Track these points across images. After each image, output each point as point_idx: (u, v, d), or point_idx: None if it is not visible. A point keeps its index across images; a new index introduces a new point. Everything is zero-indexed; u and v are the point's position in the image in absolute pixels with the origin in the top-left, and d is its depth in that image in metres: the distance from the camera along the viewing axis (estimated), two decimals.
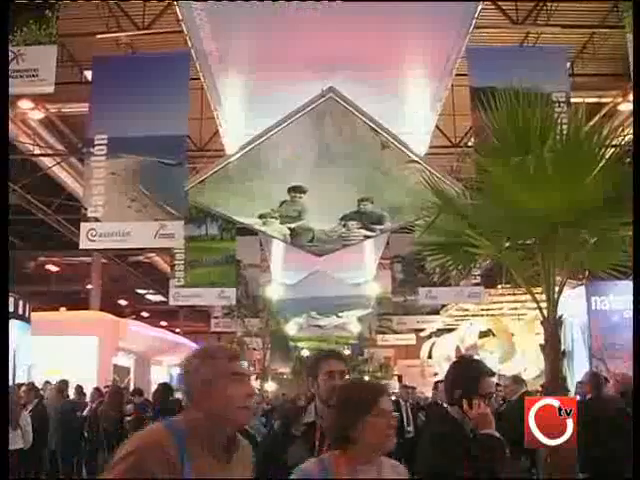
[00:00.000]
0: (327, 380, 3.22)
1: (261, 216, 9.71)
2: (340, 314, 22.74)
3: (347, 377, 3.31)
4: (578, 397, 6.50)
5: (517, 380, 8.00)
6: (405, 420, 10.44)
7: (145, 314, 32.64)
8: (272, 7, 7.37)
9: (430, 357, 26.80)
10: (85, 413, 11.21)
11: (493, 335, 20.03)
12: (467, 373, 3.19)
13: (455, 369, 3.33)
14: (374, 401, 2.37)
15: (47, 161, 14.86)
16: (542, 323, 4.05)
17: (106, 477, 1.97)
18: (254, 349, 21.96)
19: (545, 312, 4.04)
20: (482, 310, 19.97)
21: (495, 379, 4.87)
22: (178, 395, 12.25)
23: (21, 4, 8.01)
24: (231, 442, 2.12)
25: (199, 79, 9.09)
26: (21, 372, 13.24)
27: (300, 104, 8.78)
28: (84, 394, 11.84)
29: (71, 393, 11.46)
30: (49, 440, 9.96)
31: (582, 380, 7.04)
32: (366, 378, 22.91)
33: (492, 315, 20.38)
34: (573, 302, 11.86)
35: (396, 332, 23.59)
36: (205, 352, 2.19)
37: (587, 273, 8.54)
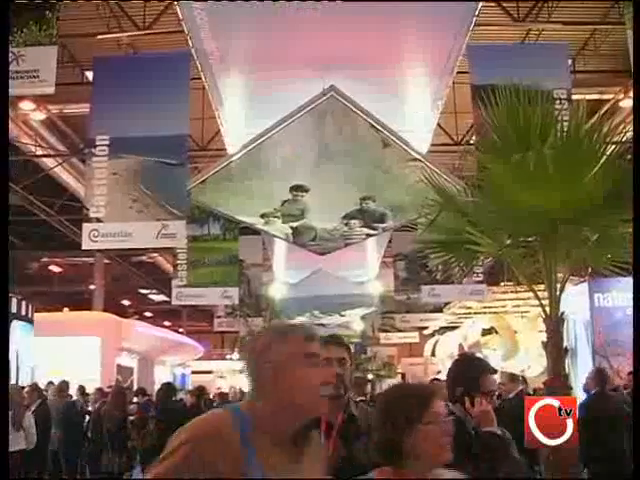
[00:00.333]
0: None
1: (263, 215, 9.74)
2: (343, 313, 22.68)
3: (349, 366, 3.11)
4: (585, 394, 6.54)
5: (513, 378, 8.01)
6: None
7: (148, 314, 32.69)
8: (272, 7, 7.36)
9: (433, 355, 26.77)
10: (89, 408, 11.26)
11: (496, 333, 19.99)
12: (468, 371, 3.18)
13: (457, 367, 3.31)
14: (425, 406, 2.06)
15: (49, 162, 14.87)
16: (544, 320, 4.03)
17: (157, 470, 1.73)
18: None
19: (547, 309, 4.02)
20: (485, 308, 19.94)
21: (498, 376, 4.87)
22: (181, 395, 12.33)
23: (21, 5, 7.99)
24: (301, 436, 1.84)
25: (200, 79, 9.10)
26: (24, 373, 13.25)
27: (301, 103, 8.79)
28: (86, 394, 11.87)
29: (74, 394, 11.48)
30: (51, 440, 9.98)
31: (588, 376, 7.09)
32: (369, 377, 22.93)
33: (495, 313, 20.34)
34: (576, 299, 11.84)
35: (399, 330, 23.60)
36: (276, 331, 1.91)
37: (589, 270, 8.53)
